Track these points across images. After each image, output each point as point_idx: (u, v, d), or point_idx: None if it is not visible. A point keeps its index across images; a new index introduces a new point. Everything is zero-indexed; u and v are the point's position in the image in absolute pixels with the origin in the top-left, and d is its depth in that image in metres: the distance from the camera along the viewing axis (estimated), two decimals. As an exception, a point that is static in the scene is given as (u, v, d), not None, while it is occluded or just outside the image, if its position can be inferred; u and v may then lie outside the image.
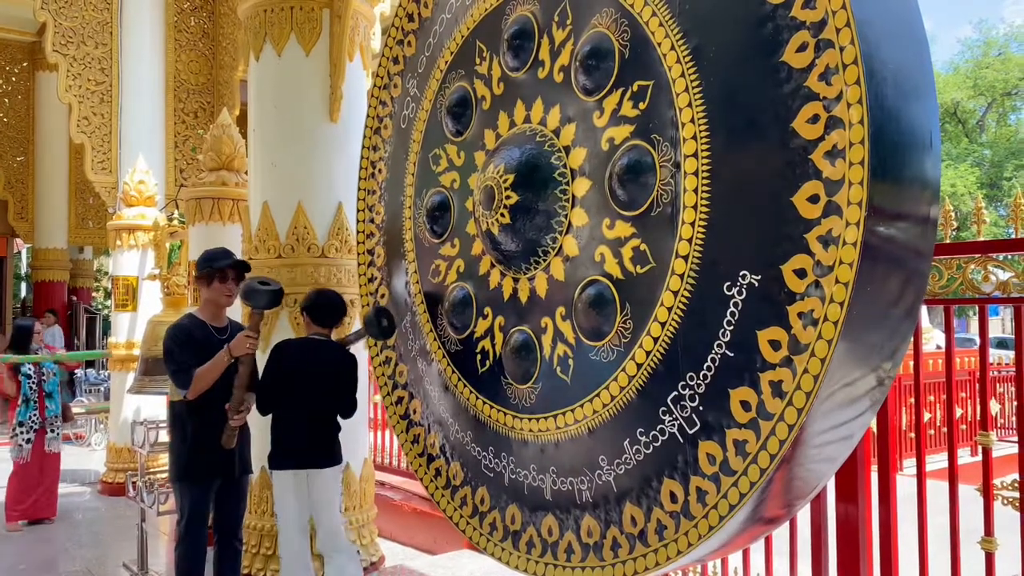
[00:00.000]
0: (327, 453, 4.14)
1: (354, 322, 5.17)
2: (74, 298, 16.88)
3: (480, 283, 3.02)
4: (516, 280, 2.84)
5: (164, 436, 5.82)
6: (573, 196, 2.61)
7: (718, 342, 2.12)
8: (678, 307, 2.24)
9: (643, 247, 2.36)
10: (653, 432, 2.31)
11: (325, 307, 4.25)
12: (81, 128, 8.54)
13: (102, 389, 13.24)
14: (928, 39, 2.05)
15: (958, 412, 5.41)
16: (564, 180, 2.63)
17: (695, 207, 2.19)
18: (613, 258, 2.46)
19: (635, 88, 2.41)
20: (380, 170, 3.64)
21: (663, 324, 2.28)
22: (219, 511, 4.16)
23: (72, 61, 8.56)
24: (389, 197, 3.58)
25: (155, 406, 8.02)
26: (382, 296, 3.61)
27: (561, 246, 2.65)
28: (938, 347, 10.94)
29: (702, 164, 2.18)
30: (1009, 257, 3.16)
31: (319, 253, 5.11)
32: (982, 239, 3.26)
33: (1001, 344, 17.77)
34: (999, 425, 8.88)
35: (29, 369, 6.87)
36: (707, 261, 2.16)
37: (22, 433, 6.81)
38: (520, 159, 2.71)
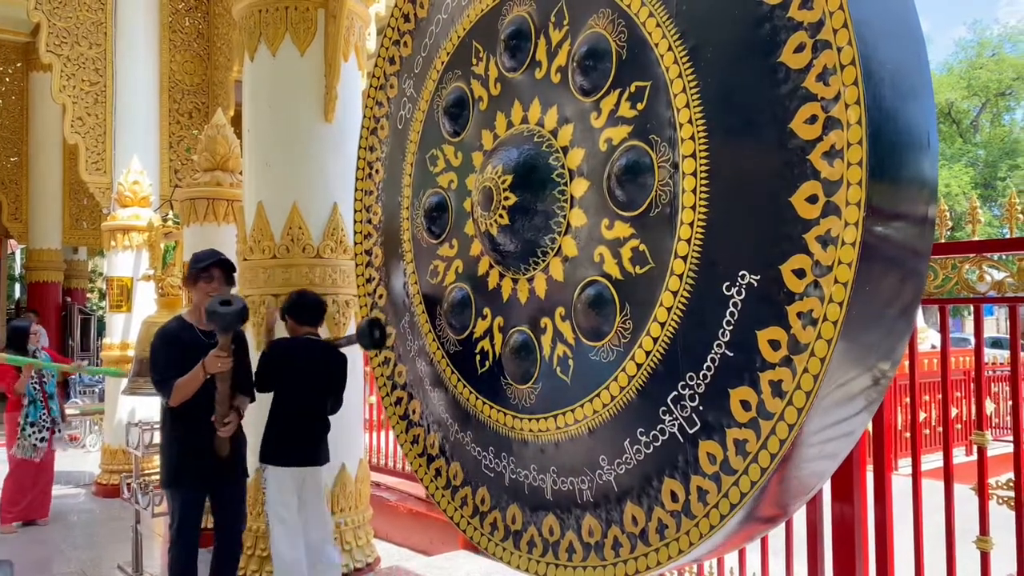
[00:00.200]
0: (324, 450, 4.24)
1: (349, 322, 5.18)
2: (68, 299, 16.82)
3: (479, 284, 3.02)
4: (515, 281, 2.84)
5: (159, 438, 5.82)
6: (571, 197, 2.61)
7: (718, 342, 2.12)
8: (677, 307, 2.24)
9: (642, 247, 2.36)
10: (653, 432, 2.32)
11: (306, 306, 4.35)
12: (75, 128, 8.52)
13: (96, 391, 13.20)
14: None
15: (953, 412, 5.43)
16: (562, 181, 2.63)
17: (694, 207, 2.19)
18: (612, 258, 2.46)
19: (632, 89, 2.41)
20: (377, 171, 3.64)
21: (662, 324, 2.28)
22: (217, 515, 4.12)
23: (66, 61, 8.53)
24: (386, 198, 3.57)
25: (150, 407, 8.00)
26: (380, 296, 3.60)
27: (560, 247, 2.65)
28: (933, 347, 10.96)
29: (700, 164, 2.18)
30: (1004, 257, 3.17)
31: (314, 254, 5.10)
32: (977, 239, 3.27)
33: (995, 344, 17.83)
34: (994, 424, 8.91)
35: (36, 361, 6.86)
36: (706, 261, 2.17)
37: (35, 433, 6.83)
38: (518, 160, 2.71)
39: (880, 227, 1.86)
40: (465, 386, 3.06)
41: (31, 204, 14.34)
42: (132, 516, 5.43)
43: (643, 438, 2.35)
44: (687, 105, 2.23)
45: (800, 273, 1.94)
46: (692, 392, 2.20)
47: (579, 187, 2.59)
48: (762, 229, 2.03)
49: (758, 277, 2.04)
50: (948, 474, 3.26)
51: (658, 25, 2.34)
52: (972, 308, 3.39)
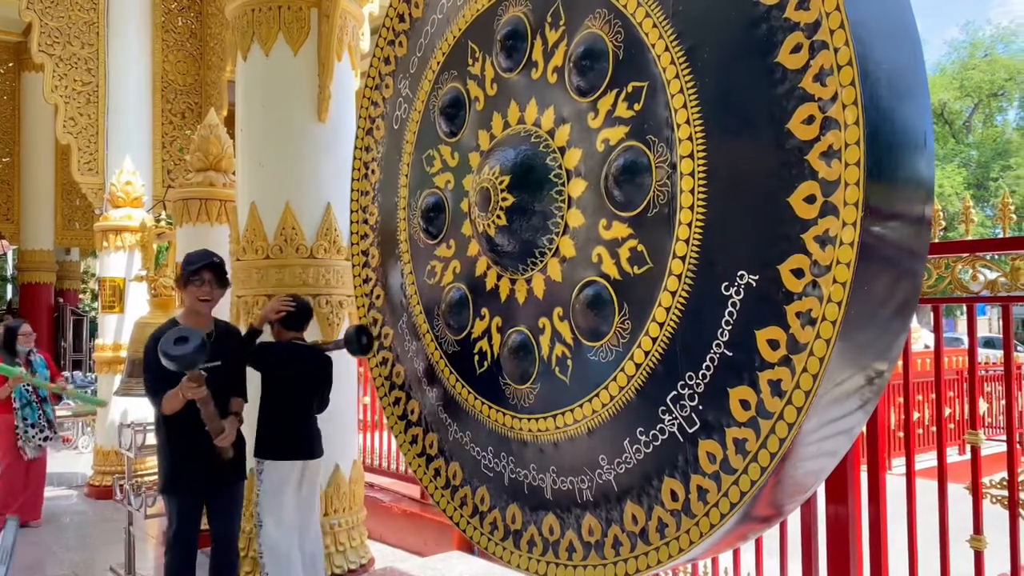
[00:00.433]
0: (318, 444, 4.32)
1: (343, 323, 5.17)
2: (61, 300, 16.74)
3: (477, 284, 3.02)
4: (513, 281, 2.84)
5: (151, 439, 5.79)
6: (569, 197, 2.61)
7: (717, 342, 2.13)
8: (676, 307, 2.24)
9: (640, 248, 2.36)
10: (653, 431, 2.32)
11: (294, 313, 4.35)
12: (67, 129, 8.49)
13: (89, 391, 13.14)
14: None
15: (946, 411, 5.45)
16: (560, 181, 2.63)
17: (692, 208, 2.20)
18: (610, 259, 2.46)
19: (629, 89, 2.42)
20: (373, 171, 3.63)
21: (661, 324, 2.28)
22: (213, 520, 4.08)
23: (58, 61, 8.50)
24: (383, 198, 3.57)
25: (142, 408, 7.98)
26: (377, 297, 3.60)
27: (558, 247, 2.65)
28: (926, 347, 11.00)
29: (698, 165, 2.18)
30: (997, 257, 3.18)
31: (307, 254, 5.10)
32: (970, 239, 3.28)
33: (988, 343, 17.90)
34: (986, 424, 8.94)
35: (24, 373, 6.85)
36: (704, 261, 2.17)
37: (38, 434, 6.91)
38: (515, 160, 2.70)
39: (878, 227, 1.87)
40: (464, 386, 3.06)
41: (23, 205, 14.26)
42: (125, 518, 5.41)
43: (643, 437, 2.35)
44: (684, 106, 2.23)
45: (798, 273, 1.95)
46: (691, 392, 2.21)
47: (577, 187, 2.59)
48: (760, 229, 2.04)
49: (756, 277, 2.04)
50: (942, 473, 3.27)
51: (655, 26, 2.34)
52: (965, 308, 3.41)
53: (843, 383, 1.99)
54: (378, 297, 3.60)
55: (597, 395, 2.49)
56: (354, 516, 5.26)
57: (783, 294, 1.98)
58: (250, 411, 4.16)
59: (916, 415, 7.82)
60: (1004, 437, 3.26)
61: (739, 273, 2.07)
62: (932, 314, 3.42)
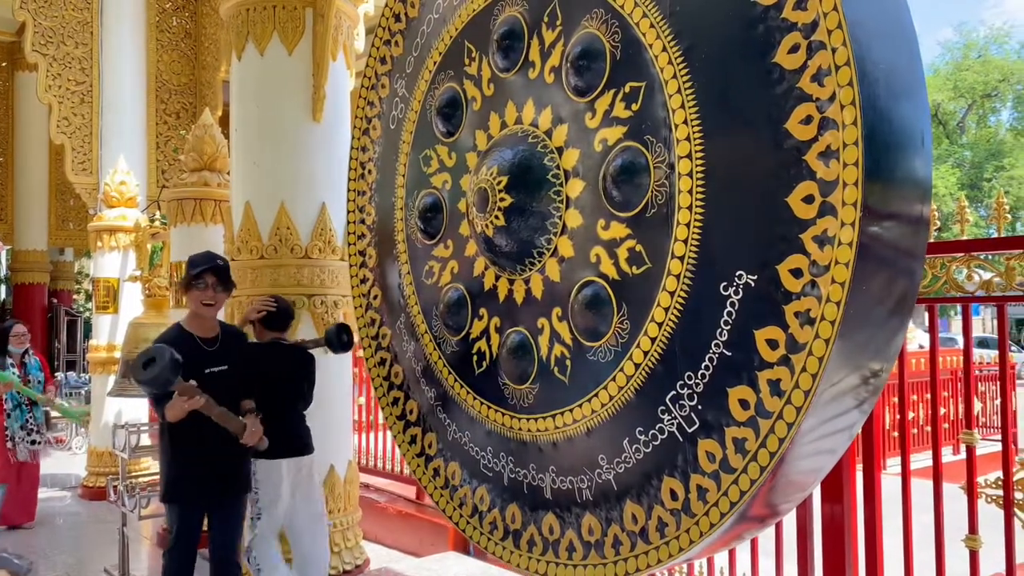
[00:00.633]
0: (308, 440, 4.38)
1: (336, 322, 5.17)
2: (54, 301, 16.70)
3: (475, 284, 3.02)
4: (511, 281, 2.84)
5: (145, 440, 5.78)
6: (567, 197, 2.61)
7: (716, 342, 2.13)
8: (675, 307, 2.24)
9: (639, 248, 2.36)
10: (652, 431, 2.32)
11: (275, 314, 4.41)
12: (61, 129, 8.46)
13: (83, 392, 13.12)
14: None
15: (941, 411, 5.45)
16: (557, 181, 2.63)
17: (690, 208, 2.20)
18: (609, 259, 2.46)
19: (627, 89, 2.41)
20: (370, 171, 3.62)
21: (660, 324, 2.28)
22: (214, 534, 4.00)
23: (52, 61, 8.47)
24: (380, 198, 3.56)
25: (136, 409, 7.97)
26: (375, 297, 3.59)
27: (556, 247, 2.65)
28: (920, 346, 11.03)
29: (696, 165, 2.18)
30: (992, 256, 3.19)
31: (302, 254, 5.09)
32: (965, 239, 3.29)
33: (982, 343, 17.96)
34: (981, 424, 8.97)
35: (16, 376, 6.84)
36: (703, 261, 2.17)
37: (27, 436, 6.91)
38: (513, 160, 2.70)
39: (876, 227, 1.87)
40: (462, 386, 3.05)
41: (16, 205, 14.23)
42: (119, 519, 5.40)
43: (642, 437, 2.35)
44: (682, 106, 2.23)
45: (797, 273, 1.95)
46: (691, 391, 2.21)
47: (575, 188, 2.59)
48: (759, 229, 2.04)
49: (755, 277, 2.04)
50: (937, 473, 3.28)
51: (652, 26, 2.34)
52: (960, 307, 3.42)
53: (841, 382, 1.99)
54: (376, 297, 3.59)
55: (596, 395, 2.49)
56: (349, 517, 5.25)
57: (782, 294, 1.98)
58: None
59: (911, 415, 7.85)
60: (999, 437, 3.26)
61: (738, 273, 2.08)
62: (927, 314, 3.43)
